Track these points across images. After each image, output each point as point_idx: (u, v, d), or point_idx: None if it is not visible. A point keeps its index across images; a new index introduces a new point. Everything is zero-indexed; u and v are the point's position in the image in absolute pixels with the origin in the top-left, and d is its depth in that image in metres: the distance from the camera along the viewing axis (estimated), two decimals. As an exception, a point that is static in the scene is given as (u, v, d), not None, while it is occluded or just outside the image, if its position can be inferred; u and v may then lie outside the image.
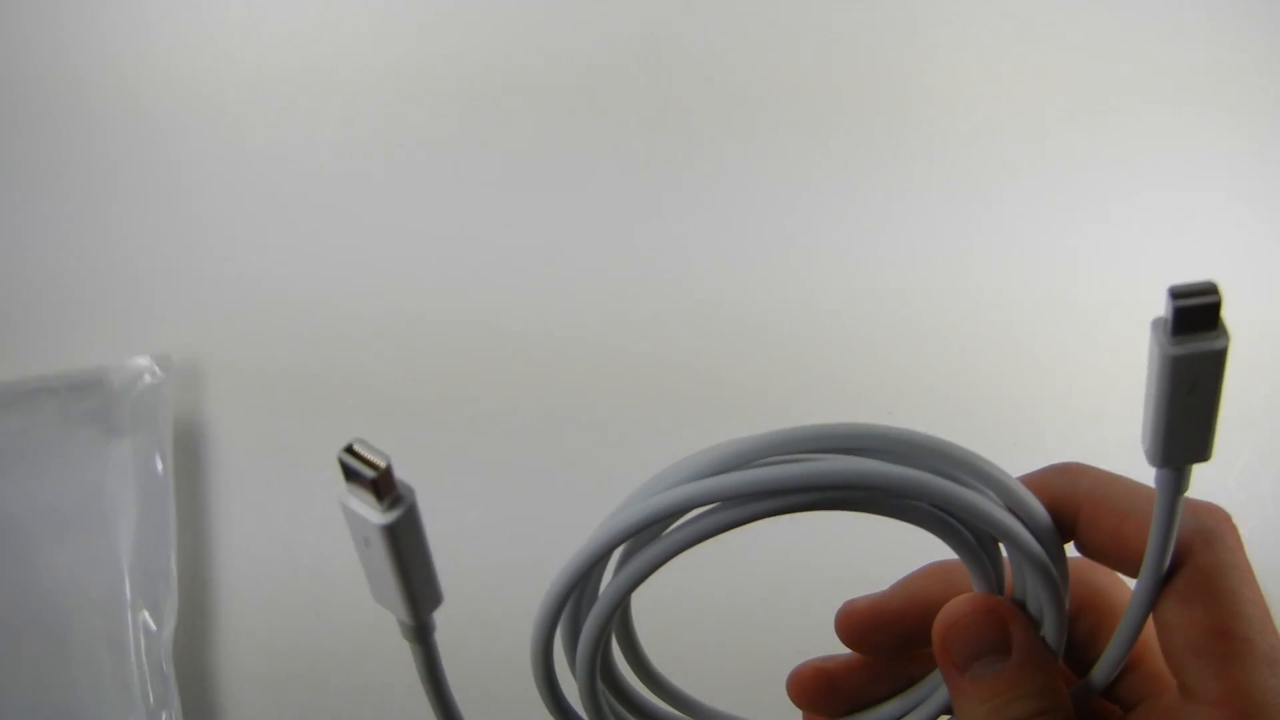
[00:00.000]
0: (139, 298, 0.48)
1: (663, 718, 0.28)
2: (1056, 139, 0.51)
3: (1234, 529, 0.24)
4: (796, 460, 0.21)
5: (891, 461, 0.21)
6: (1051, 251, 0.49)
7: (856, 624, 0.28)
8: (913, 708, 0.28)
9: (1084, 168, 0.50)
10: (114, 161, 0.50)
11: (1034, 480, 0.24)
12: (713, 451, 0.22)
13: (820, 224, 0.49)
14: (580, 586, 0.24)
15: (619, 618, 0.26)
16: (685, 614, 0.39)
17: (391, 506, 0.18)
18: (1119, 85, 0.52)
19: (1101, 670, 0.25)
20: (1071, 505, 0.24)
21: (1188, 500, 0.23)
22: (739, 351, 0.46)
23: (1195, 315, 0.18)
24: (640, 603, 0.25)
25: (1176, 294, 0.18)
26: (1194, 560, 0.23)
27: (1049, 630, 0.25)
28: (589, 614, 0.24)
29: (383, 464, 0.18)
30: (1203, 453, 0.21)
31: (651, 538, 0.23)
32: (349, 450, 0.18)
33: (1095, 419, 0.46)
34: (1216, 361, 0.19)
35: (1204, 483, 0.46)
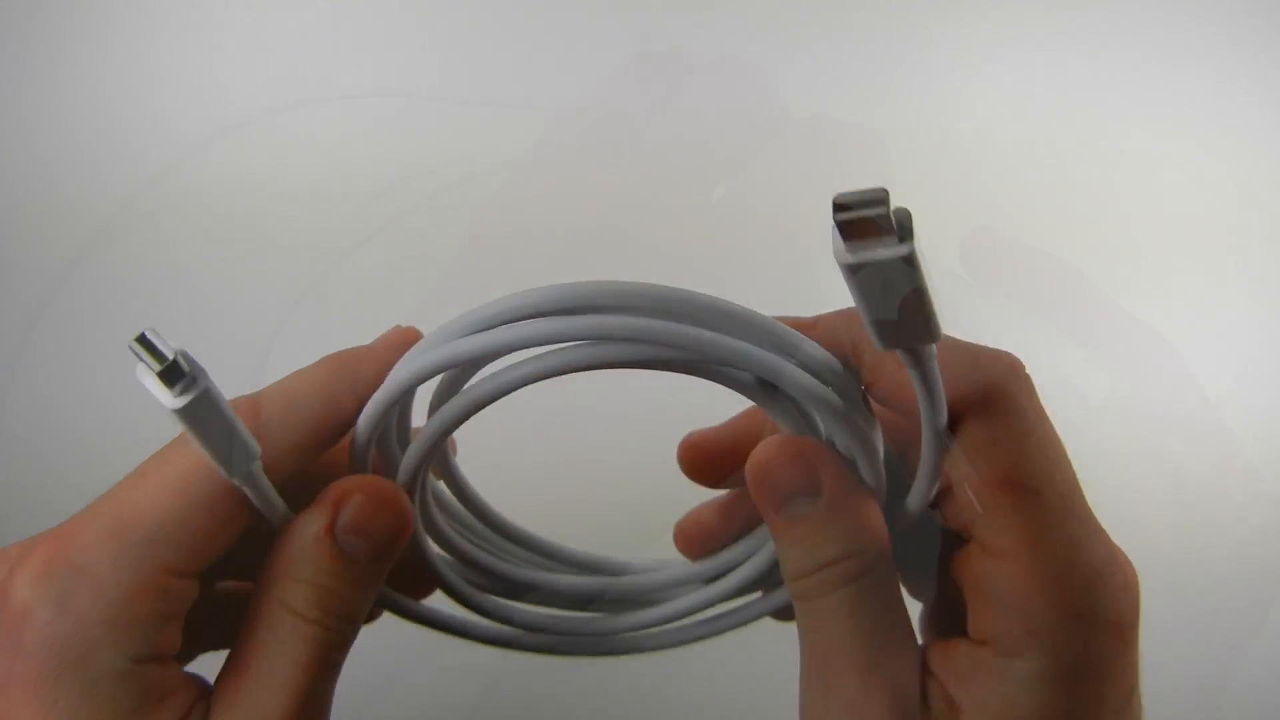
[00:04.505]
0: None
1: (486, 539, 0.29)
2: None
3: (1022, 376, 0.24)
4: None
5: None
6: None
7: (692, 457, 0.29)
8: (760, 548, 0.28)
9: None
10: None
11: (822, 330, 0.24)
12: (511, 301, 0.22)
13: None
14: (384, 428, 0.25)
15: (443, 463, 0.28)
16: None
17: (183, 392, 0.20)
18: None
19: (911, 501, 0.25)
20: (858, 354, 0.24)
21: (975, 349, 0.24)
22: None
23: (861, 227, 0.18)
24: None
25: (839, 206, 0.18)
26: (975, 416, 0.23)
27: (865, 469, 0.25)
28: (405, 455, 0.25)
29: (170, 356, 0.19)
30: (928, 336, 0.20)
31: (463, 381, 0.24)
32: (139, 340, 0.19)
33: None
34: (897, 267, 0.18)
35: (1204, 482, 0.46)
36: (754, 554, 0.28)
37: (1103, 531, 0.23)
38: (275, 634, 0.23)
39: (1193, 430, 0.47)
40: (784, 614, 0.29)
